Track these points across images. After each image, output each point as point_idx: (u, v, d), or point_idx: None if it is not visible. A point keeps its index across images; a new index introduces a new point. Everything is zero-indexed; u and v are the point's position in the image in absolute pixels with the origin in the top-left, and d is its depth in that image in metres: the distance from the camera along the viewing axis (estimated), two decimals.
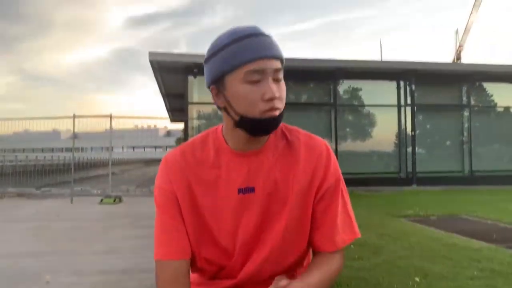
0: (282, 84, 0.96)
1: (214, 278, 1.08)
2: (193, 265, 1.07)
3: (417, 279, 3.34)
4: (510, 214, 6.72)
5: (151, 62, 12.20)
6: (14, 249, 4.56)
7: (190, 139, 1.11)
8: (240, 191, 1.00)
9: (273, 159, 1.02)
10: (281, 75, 0.96)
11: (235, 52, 0.92)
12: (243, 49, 0.91)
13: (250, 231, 1.01)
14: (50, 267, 3.83)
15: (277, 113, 0.95)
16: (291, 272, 1.08)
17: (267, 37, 0.95)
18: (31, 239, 5.06)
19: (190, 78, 12.72)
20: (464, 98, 14.34)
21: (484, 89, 14.57)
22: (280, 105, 0.95)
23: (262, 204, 1.01)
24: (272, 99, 0.92)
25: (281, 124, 1.06)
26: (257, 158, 1.01)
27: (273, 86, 0.93)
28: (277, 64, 0.94)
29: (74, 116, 9.76)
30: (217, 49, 0.95)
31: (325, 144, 1.07)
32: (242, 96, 0.93)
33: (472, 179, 13.55)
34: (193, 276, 1.12)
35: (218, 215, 1.02)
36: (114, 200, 8.96)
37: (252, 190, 1.00)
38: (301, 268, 1.12)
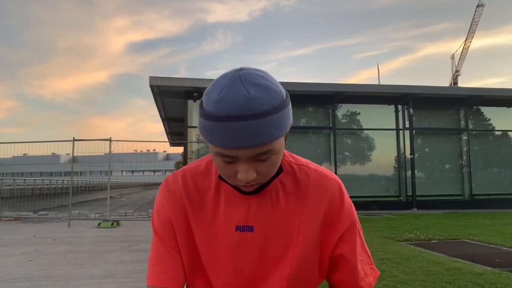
0: (270, 158, 0.82)
1: None
2: None
3: None
4: None
5: (152, 86, 12.33)
6: (10, 273, 4.48)
7: (195, 162, 1.01)
8: (238, 228, 0.92)
9: (276, 198, 0.94)
10: (267, 155, 0.80)
11: (207, 129, 0.78)
12: (213, 132, 0.77)
13: (247, 273, 0.94)
14: None
15: (253, 188, 0.88)
16: None
17: (249, 122, 0.75)
18: (27, 263, 4.98)
19: (190, 102, 12.84)
20: (462, 122, 14.43)
21: (482, 113, 14.68)
22: (258, 180, 0.85)
23: (261, 246, 0.92)
24: (245, 181, 0.82)
25: (290, 156, 1.00)
26: (259, 195, 0.93)
27: (249, 168, 0.81)
28: (257, 151, 0.79)
29: (74, 140, 9.76)
30: (200, 106, 0.81)
31: (337, 183, 0.97)
32: (217, 166, 0.85)
33: (473, 203, 13.50)
34: None
35: (212, 250, 0.95)
36: (112, 224, 8.86)
37: (251, 229, 0.92)
38: None
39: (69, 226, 8.90)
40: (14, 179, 16.53)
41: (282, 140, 0.84)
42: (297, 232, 0.93)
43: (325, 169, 1.00)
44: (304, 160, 1.01)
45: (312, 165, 0.99)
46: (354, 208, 0.99)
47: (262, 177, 0.85)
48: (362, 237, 1.01)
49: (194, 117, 12.89)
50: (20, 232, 7.92)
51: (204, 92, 0.82)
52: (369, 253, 1.02)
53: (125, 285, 4.01)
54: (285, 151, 1.00)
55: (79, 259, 5.27)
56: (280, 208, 0.93)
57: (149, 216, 10.62)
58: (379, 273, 1.03)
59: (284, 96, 0.82)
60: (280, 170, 0.93)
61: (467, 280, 4.00)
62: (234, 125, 0.75)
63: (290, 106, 0.84)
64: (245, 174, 0.81)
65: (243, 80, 0.78)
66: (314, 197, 0.94)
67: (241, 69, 0.81)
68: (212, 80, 0.85)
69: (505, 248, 5.89)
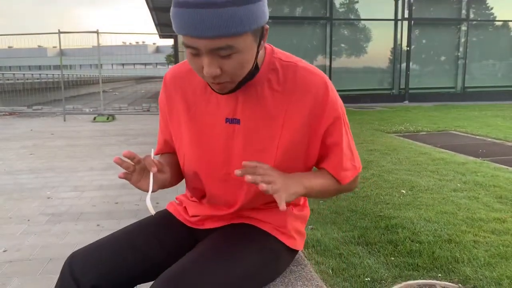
0: (234, 57, 0.82)
1: (210, 203, 1.12)
2: (187, 183, 1.15)
3: (403, 191, 3.50)
4: (498, 130, 6.89)
5: None
6: (13, 166, 4.65)
7: None
8: (227, 120, 0.99)
9: (262, 93, 0.97)
10: (227, 51, 0.80)
11: (172, 17, 0.80)
12: (175, 19, 0.79)
13: (233, 163, 1.01)
14: (50, 183, 3.94)
15: (224, 89, 0.90)
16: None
17: (206, 11, 0.75)
18: (28, 157, 5.14)
19: None
20: (464, 11, 13.87)
21: (485, 2, 14.04)
22: (226, 78, 0.86)
23: (246, 137, 0.98)
24: (208, 76, 0.84)
25: (280, 54, 1.01)
26: (246, 90, 0.96)
27: (211, 62, 0.82)
28: (215, 44, 0.79)
29: (59, 32, 9.35)
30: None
31: (323, 81, 0.98)
32: (188, 60, 0.88)
33: (464, 95, 13.65)
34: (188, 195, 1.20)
35: (204, 141, 1.03)
36: (108, 118, 8.97)
37: (237, 121, 0.98)
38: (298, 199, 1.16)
39: (64, 120, 9.00)
40: (3, 74, 16.18)
41: (247, 38, 0.82)
42: (282, 125, 0.98)
43: (314, 67, 1.01)
44: (295, 58, 1.02)
45: (301, 62, 1.00)
46: (340, 104, 1.02)
47: (228, 76, 0.85)
48: (349, 134, 1.06)
49: None
50: (17, 127, 8.03)
51: None
52: (353, 150, 1.08)
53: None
54: (276, 49, 1.02)
55: (78, 152, 5.44)
56: (266, 103, 0.97)
57: (144, 110, 10.72)
58: (360, 169, 1.10)
59: None
60: (257, 69, 0.93)
61: (450, 169, 4.23)
62: (190, 12, 0.76)
63: (261, 4, 0.80)
64: (207, 67, 0.82)
65: None
66: (299, 92, 0.97)
67: None
68: None
69: (489, 139, 6.13)
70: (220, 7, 0.74)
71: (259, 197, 1.04)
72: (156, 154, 1.17)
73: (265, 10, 0.83)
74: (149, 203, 0.92)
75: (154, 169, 0.91)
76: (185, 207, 1.17)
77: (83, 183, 3.93)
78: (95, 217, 3.04)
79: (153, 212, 0.94)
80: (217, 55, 0.81)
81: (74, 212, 3.16)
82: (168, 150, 1.18)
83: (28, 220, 2.99)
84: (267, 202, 1.08)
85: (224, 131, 1.00)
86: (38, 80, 15.98)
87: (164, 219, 1.15)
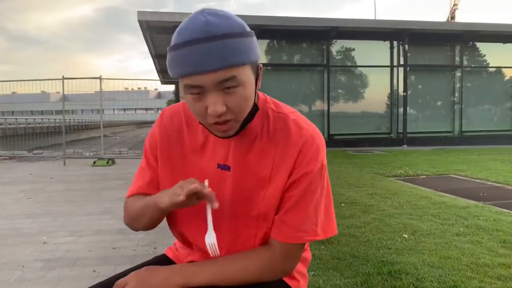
0: (238, 91, 0.84)
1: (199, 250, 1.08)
2: (174, 228, 1.11)
3: (405, 236, 3.45)
4: (498, 173, 6.88)
5: (140, 22, 11.88)
6: (9, 210, 4.59)
7: None
8: (219, 166, 0.99)
9: (253, 142, 0.97)
10: (232, 83, 0.82)
11: (171, 61, 0.83)
12: (176, 61, 0.81)
13: (223, 211, 0.98)
14: (46, 228, 3.88)
15: (227, 128, 0.87)
16: None
17: (208, 44, 0.78)
18: (26, 201, 5.10)
19: None
20: (457, 58, 14.28)
21: (477, 49, 14.49)
22: (231, 116, 0.86)
23: (235, 184, 0.97)
24: (214, 114, 0.83)
25: (272, 104, 1.00)
26: (239, 138, 0.96)
27: (217, 99, 0.82)
28: (221, 76, 0.80)
29: (63, 78, 9.56)
30: (168, 48, 0.85)
31: (311, 136, 0.95)
32: (189, 105, 0.88)
33: (462, 139, 13.76)
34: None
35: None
36: (107, 162, 8.97)
37: (228, 168, 0.98)
38: None
39: (64, 164, 9.00)
40: (5, 118, 16.37)
41: (247, 71, 0.85)
42: (269, 176, 0.95)
43: (306, 121, 0.98)
44: (287, 109, 1.00)
45: (293, 115, 0.98)
46: (320, 164, 0.95)
47: (232, 113, 0.85)
48: (319, 196, 0.97)
49: None
50: (16, 171, 8.01)
51: None
52: (319, 214, 0.97)
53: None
54: (269, 98, 1.02)
55: (77, 196, 5.40)
56: (256, 152, 0.96)
57: None
58: (322, 237, 0.98)
59: (246, 28, 0.84)
60: (256, 109, 0.94)
61: (451, 213, 4.19)
62: (193, 49, 0.79)
63: (254, 40, 0.86)
64: (214, 105, 0.82)
65: (204, 12, 0.82)
66: (285, 144, 0.94)
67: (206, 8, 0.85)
68: None
69: (489, 183, 6.11)
70: (221, 39, 0.79)
71: (247, 241, 1.01)
72: (134, 194, 1.08)
73: (257, 48, 0.87)
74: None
75: (216, 204, 0.89)
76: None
77: (81, 228, 3.87)
78: (91, 263, 2.97)
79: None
80: (222, 90, 0.82)
81: (70, 257, 3.09)
82: (149, 191, 1.07)
83: (23, 266, 2.91)
84: (259, 243, 1.04)
85: (215, 177, 0.98)
86: (40, 125, 16.16)
87: (162, 264, 1.12)
